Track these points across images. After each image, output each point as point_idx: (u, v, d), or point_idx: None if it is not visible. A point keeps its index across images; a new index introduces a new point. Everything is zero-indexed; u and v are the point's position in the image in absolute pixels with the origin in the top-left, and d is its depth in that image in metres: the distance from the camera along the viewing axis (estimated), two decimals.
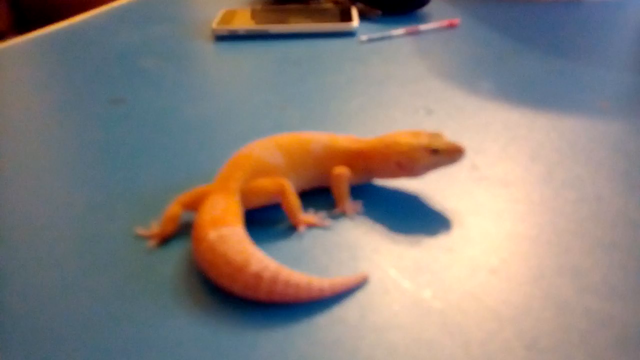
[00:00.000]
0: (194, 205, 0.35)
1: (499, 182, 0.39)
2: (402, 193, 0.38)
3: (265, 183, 0.35)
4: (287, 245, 0.34)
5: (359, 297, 0.30)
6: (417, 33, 0.71)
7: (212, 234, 0.31)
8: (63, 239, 0.35)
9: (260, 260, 0.29)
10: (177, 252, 0.34)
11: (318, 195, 0.38)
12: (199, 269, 0.31)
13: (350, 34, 0.72)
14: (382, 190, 0.39)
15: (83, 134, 0.49)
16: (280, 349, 0.27)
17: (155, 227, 0.35)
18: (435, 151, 0.35)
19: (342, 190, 0.37)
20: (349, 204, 0.37)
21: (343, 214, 0.36)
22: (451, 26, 0.74)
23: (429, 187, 0.39)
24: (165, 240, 0.35)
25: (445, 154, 0.35)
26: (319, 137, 0.38)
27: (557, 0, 0.83)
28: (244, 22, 0.74)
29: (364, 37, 0.70)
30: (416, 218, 0.36)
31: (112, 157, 0.45)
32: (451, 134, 0.46)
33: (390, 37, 0.70)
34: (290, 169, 0.37)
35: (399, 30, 0.71)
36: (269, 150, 0.36)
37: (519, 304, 0.29)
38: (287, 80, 0.59)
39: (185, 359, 0.27)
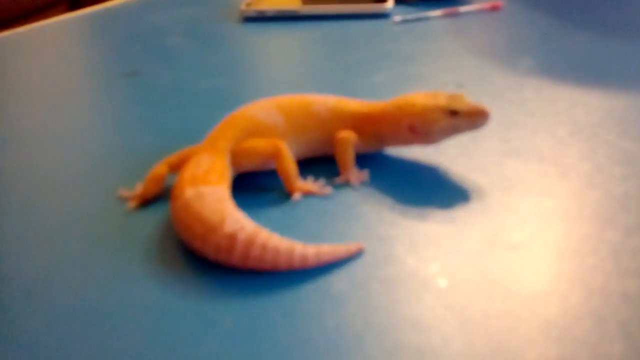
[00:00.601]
0: (181, 166, 0.32)
1: (532, 155, 0.34)
2: (417, 163, 0.34)
3: (259, 143, 0.31)
4: (279, 212, 0.30)
5: (351, 269, 0.26)
6: (456, 15, 0.67)
7: (189, 192, 0.27)
8: (49, 199, 0.33)
9: (237, 221, 0.26)
10: (156, 215, 0.30)
11: (320, 163, 0.34)
12: (175, 230, 0.28)
13: (384, 15, 0.68)
14: (393, 160, 0.35)
15: (92, 102, 0.47)
16: (251, 318, 0.23)
17: (139, 189, 0.32)
18: (453, 113, 0.30)
19: (346, 156, 0.33)
20: (354, 173, 0.33)
21: (347, 183, 0.32)
22: (494, 9, 0.68)
23: (449, 158, 0.34)
24: (146, 202, 0.31)
25: (465, 117, 0.31)
26: (324, 99, 0.34)
27: None
28: (274, 4, 0.71)
29: (397, 18, 0.65)
30: (430, 190, 0.31)
31: (116, 124, 0.42)
32: None
33: (426, 19, 0.66)
34: (290, 132, 0.33)
35: (436, 12, 0.66)
36: (267, 110, 0.33)
37: (541, 285, 0.24)
38: (310, 58, 0.56)
39: (148, 326, 0.23)
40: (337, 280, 0.25)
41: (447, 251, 0.26)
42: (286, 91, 0.47)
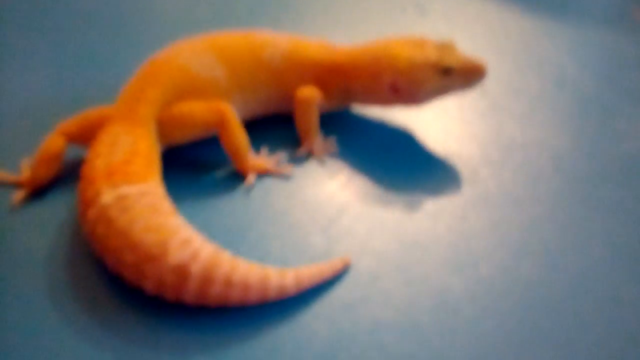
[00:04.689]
0: (84, 137, 0.23)
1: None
2: (388, 127, 0.28)
3: (196, 108, 0.23)
4: (229, 205, 0.23)
5: (336, 292, 0.20)
6: None
7: (106, 196, 0.19)
8: None
9: (186, 243, 0.18)
10: (56, 212, 0.22)
11: (274, 125, 0.27)
12: (90, 245, 0.20)
13: None
14: (362, 121, 0.28)
15: None
16: None
17: (26, 170, 0.23)
18: (447, 71, 0.24)
19: (310, 121, 0.25)
20: (319, 142, 0.26)
21: (310, 155, 0.26)
22: None
23: (425, 119, 0.28)
24: (38, 189, 0.23)
25: (460, 75, 0.24)
26: (276, 41, 0.26)
27: None
28: None
29: None
30: (417, 166, 0.26)
31: None
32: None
33: None
34: (235, 88, 0.25)
35: None
36: (203, 57, 0.24)
37: None
38: None
39: None
40: (321, 310, 0.19)
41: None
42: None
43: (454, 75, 0.24)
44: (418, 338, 0.19)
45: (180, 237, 0.18)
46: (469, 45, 0.33)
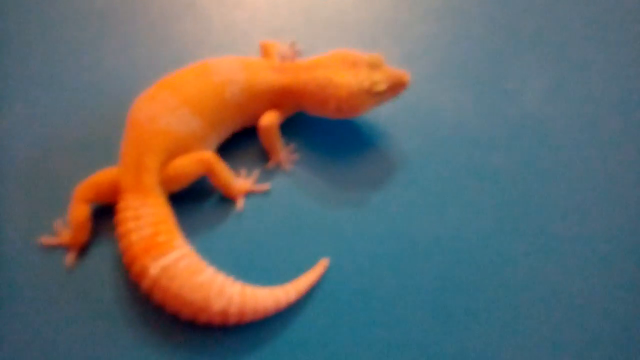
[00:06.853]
0: (100, 199, 0.29)
1: None
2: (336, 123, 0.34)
3: (186, 164, 0.29)
4: (227, 230, 0.30)
5: (323, 288, 0.29)
6: None
7: (153, 270, 0.26)
8: None
9: (221, 293, 0.26)
10: (106, 266, 0.29)
11: (239, 143, 0.32)
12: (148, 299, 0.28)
13: None
14: (313, 122, 0.34)
15: None
16: None
17: (64, 231, 0.29)
18: (378, 93, 0.30)
19: (274, 141, 0.32)
20: (284, 155, 0.32)
21: (278, 167, 0.32)
22: None
23: None
24: (82, 249, 0.29)
25: (389, 91, 0.30)
26: (232, 75, 0.30)
27: None
28: None
29: None
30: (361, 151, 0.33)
31: None
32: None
33: None
34: (209, 130, 0.30)
35: None
36: (178, 114, 0.29)
37: None
38: None
39: None
40: (315, 306, 0.28)
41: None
42: None
43: (384, 93, 0.30)
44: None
45: (215, 288, 0.26)
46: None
